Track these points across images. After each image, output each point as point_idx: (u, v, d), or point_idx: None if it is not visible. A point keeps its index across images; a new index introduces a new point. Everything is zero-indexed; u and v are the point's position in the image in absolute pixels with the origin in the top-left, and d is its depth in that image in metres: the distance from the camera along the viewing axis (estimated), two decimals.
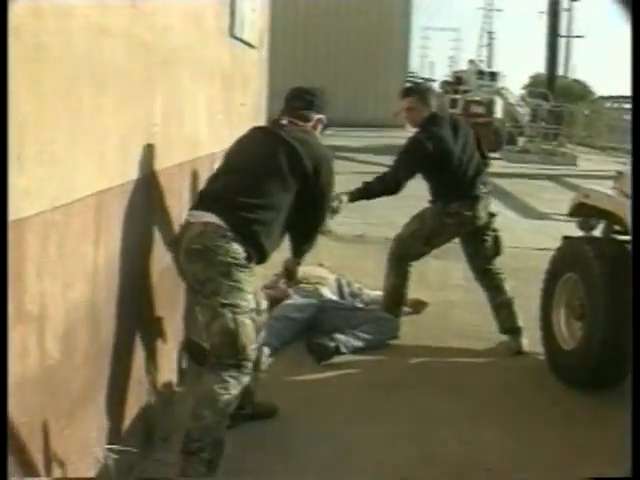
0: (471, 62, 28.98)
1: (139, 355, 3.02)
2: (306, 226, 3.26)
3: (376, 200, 4.61)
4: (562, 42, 33.15)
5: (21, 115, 1.82)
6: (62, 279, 2.20)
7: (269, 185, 2.98)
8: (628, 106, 19.09)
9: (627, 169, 4.16)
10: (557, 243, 4.44)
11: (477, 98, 20.27)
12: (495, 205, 4.87)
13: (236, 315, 2.82)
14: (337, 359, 4.23)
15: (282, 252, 3.26)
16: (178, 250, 2.96)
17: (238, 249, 2.85)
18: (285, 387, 3.80)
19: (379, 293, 4.93)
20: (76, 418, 2.37)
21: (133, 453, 2.72)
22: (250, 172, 3.04)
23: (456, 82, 25.24)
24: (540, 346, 4.34)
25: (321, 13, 27.55)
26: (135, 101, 2.78)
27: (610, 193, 4.07)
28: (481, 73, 25.85)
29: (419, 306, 5.17)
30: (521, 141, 20.57)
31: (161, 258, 3.17)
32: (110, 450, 2.59)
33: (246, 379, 2.89)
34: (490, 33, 69.39)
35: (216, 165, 4.00)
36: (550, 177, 14.86)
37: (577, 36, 45.32)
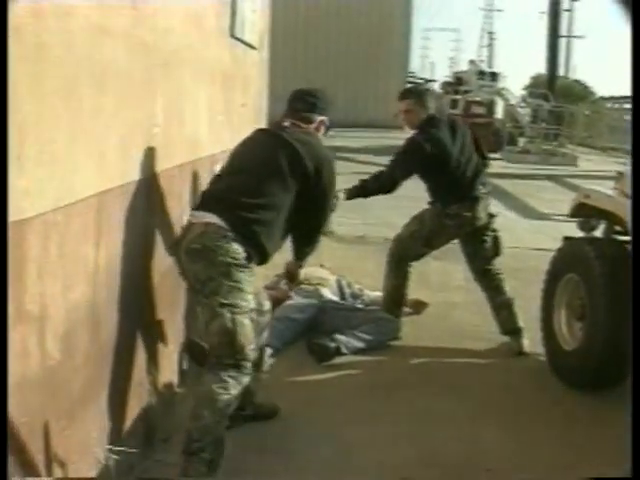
0: (472, 63, 28.99)
1: (140, 356, 3.02)
2: (308, 228, 3.26)
3: (375, 201, 4.61)
4: (563, 42, 33.19)
5: (21, 115, 1.82)
6: (63, 280, 2.20)
7: (270, 186, 2.98)
8: (629, 106, 19.08)
9: (628, 169, 4.16)
10: (557, 244, 4.44)
11: (478, 99, 20.30)
12: (495, 205, 4.88)
13: (235, 315, 2.83)
14: (338, 360, 4.23)
15: (283, 253, 3.26)
16: (179, 250, 2.96)
17: (238, 249, 2.86)
18: (286, 388, 3.80)
19: (379, 294, 4.93)
20: (77, 418, 2.37)
21: (134, 454, 2.72)
22: (252, 173, 3.04)
23: (457, 83, 25.26)
24: (541, 347, 4.34)
25: (321, 14, 27.58)
26: (135, 102, 2.78)
27: (611, 193, 4.06)
28: (482, 74, 25.86)
29: (420, 307, 5.17)
30: (522, 141, 20.58)
31: (162, 259, 3.17)
32: (111, 450, 2.59)
33: (246, 379, 2.89)
34: (491, 33, 69.46)
35: (217, 166, 4.00)
36: (550, 177, 14.86)
37: (578, 36, 45.39)
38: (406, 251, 4.66)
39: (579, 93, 36.94)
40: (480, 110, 19.32)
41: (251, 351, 2.90)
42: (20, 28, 1.78)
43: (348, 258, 6.42)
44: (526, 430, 3.51)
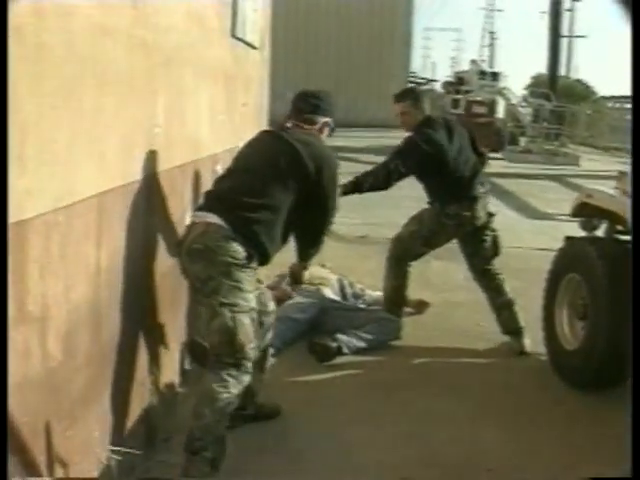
0: (473, 62, 28.89)
1: (141, 356, 3.02)
2: (312, 228, 3.26)
3: (377, 201, 4.61)
4: (564, 42, 33.06)
5: (22, 115, 1.82)
6: (64, 280, 2.20)
7: (271, 186, 2.99)
8: (630, 106, 19.03)
9: (629, 169, 4.15)
10: (559, 243, 4.43)
11: (479, 98, 20.24)
12: (497, 205, 4.88)
13: (235, 314, 2.83)
14: (339, 359, 4.24)
15: (284, 253, 3.26)
16: (182, 250, 2.97)
17: (239, 249, 2.86)
18: (287, 387, 3.80)
19: (381, 293, 4.93)
20: (78, 418, 2.37)
21: (135, 454, 2.73)
22: (253, 174, 3.05)
23: (458, 82, 25.18)
24: (543, 346, 4.34)
25: (322, 13, 27.55)
26: (137, 101, 2.78)
27: (612, 193, 4.06)
28: (483, 73, 25.78)
29: (422, 307, 5.17)
30: (523, 141, 20.54)
31: (163, 259, 3.17)
32: (112, 451, 2.60)
33: (246, 378, 2.89)
34: (492, 33, 69.33)
35: (218, 165, 4.01)
36: (552, 177, 14.83)
37: (579, 36, 45.30)
38: (405, 251, 4.66)
39: (580, 93, 36.88)
40: (481, 110, 19.29)
41: (251, 350, 2.91)
42: (21, 28, 1.78)
43: (350, 258, 6.42)
44: (526, 430, 3.51)
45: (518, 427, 3.55)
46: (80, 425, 2.38)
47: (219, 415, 2.77)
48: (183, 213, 3.43)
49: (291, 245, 3.31)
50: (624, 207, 3.74)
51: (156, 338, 3.22)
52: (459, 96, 21.45)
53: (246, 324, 2.87)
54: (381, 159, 4.50)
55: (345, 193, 4.35)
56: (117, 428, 2.75)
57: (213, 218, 2.90)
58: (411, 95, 4.63)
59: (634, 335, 2.34)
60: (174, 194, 3.32)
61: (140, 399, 3.01)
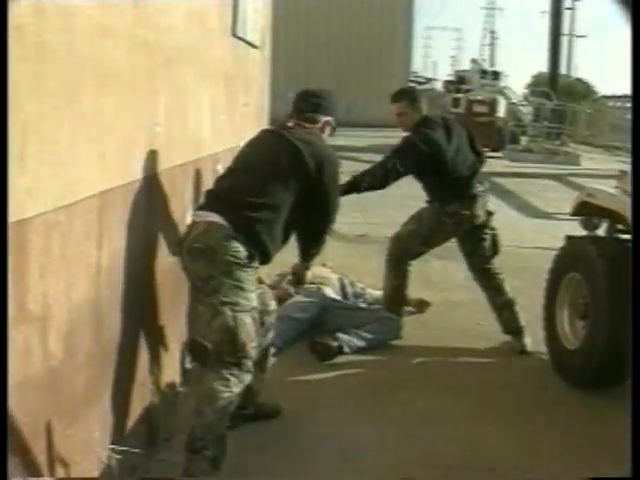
0: (474, 61, 28.91)
1: (142, 355, 3.02)
2: (314, 228, 3.26)
3: (378, 200, 4.61)
4: (565, 41, 33.05)
5: (23, 115, 1.83)
6: (65, 279, 2.21)
7: (272, 185, 2.99)
8: (630, 105, 19.02)
9: (630, 168, 4.15)
10: (560, 242, 4.43)
11: (480, 97, 20.24)
12: (497, 204, 4.88)
13: (236, 313, 2.84)
14: (339, 359, 4.24)
15: (284, 252, 3.26)
16: (182, 249, 2.97)
17: (240, 248, 2.86)
18: (287, 387, 3.80)
19: (381, 293, 4.92)
20: (79, 418, 2.37)
21: (136, 453, 2.73)
22: (254, 173, 3.05)
23: (459, 81, 25.20)
24: (543, 346, 4.34)
25: (323, 13, 27.54)
26: (138, 101, 2.78)
27: (613, 192, 4.06)
28: (484, 72, 25.79)
29: (423, 306, 5.17)
30: (524, 140, 20.55)
31: (164, 258, 3.17)
32: (113, 450, 2.60)
33: (247, 377, 2.90)
34: (492, 32, 69.38)
35: (219, 165, 4.01)
36: (553, 176, 14.82)
37: (580, 35, 45.35)
38: (405, 250, 4.66)
39: (581, 92, 36.86)
40: (482, 109, 19.28)
41: (252, 349, 2.91)
42: (22, 28, 1.78)
43: (350, 257, 6.42)
44: (527, 430, 3.51)
45: (518, 427, 3.55)
46: (81, 424, 2.38)
47: (220, 414, 2.78)
48: (184, 212, 3.43)
49: (292, 244, 3.31)
50: (625, 206, 3.74)
51: (157, 337, 3.22)
52: (460, 95, 21.46)
53: (247, 323, 2.87)
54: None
55: (343, 193, 4.34)
56: (118, 427, 2.76)
57: (214, 217, 2.90)
58: (407, 95, 4.62)
59: (634, 335, 2.34)
60: (175, 193, 3.32)
61: (141, 398, 3.01)
